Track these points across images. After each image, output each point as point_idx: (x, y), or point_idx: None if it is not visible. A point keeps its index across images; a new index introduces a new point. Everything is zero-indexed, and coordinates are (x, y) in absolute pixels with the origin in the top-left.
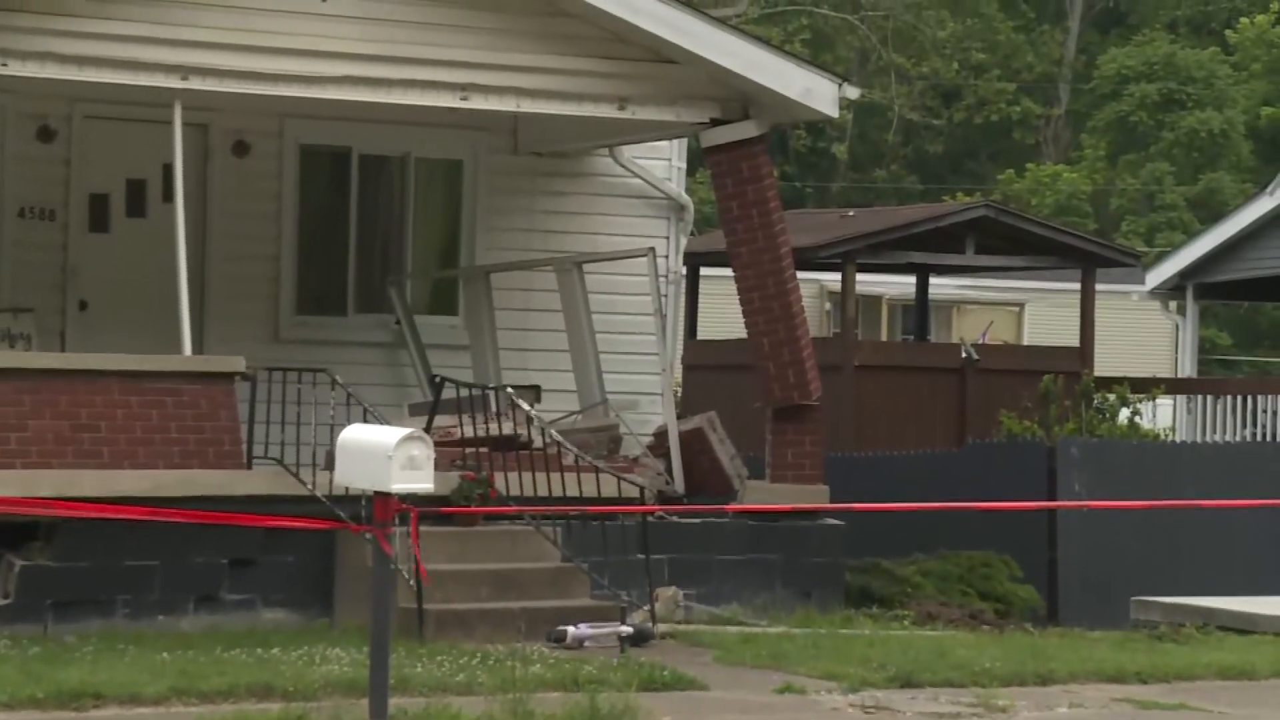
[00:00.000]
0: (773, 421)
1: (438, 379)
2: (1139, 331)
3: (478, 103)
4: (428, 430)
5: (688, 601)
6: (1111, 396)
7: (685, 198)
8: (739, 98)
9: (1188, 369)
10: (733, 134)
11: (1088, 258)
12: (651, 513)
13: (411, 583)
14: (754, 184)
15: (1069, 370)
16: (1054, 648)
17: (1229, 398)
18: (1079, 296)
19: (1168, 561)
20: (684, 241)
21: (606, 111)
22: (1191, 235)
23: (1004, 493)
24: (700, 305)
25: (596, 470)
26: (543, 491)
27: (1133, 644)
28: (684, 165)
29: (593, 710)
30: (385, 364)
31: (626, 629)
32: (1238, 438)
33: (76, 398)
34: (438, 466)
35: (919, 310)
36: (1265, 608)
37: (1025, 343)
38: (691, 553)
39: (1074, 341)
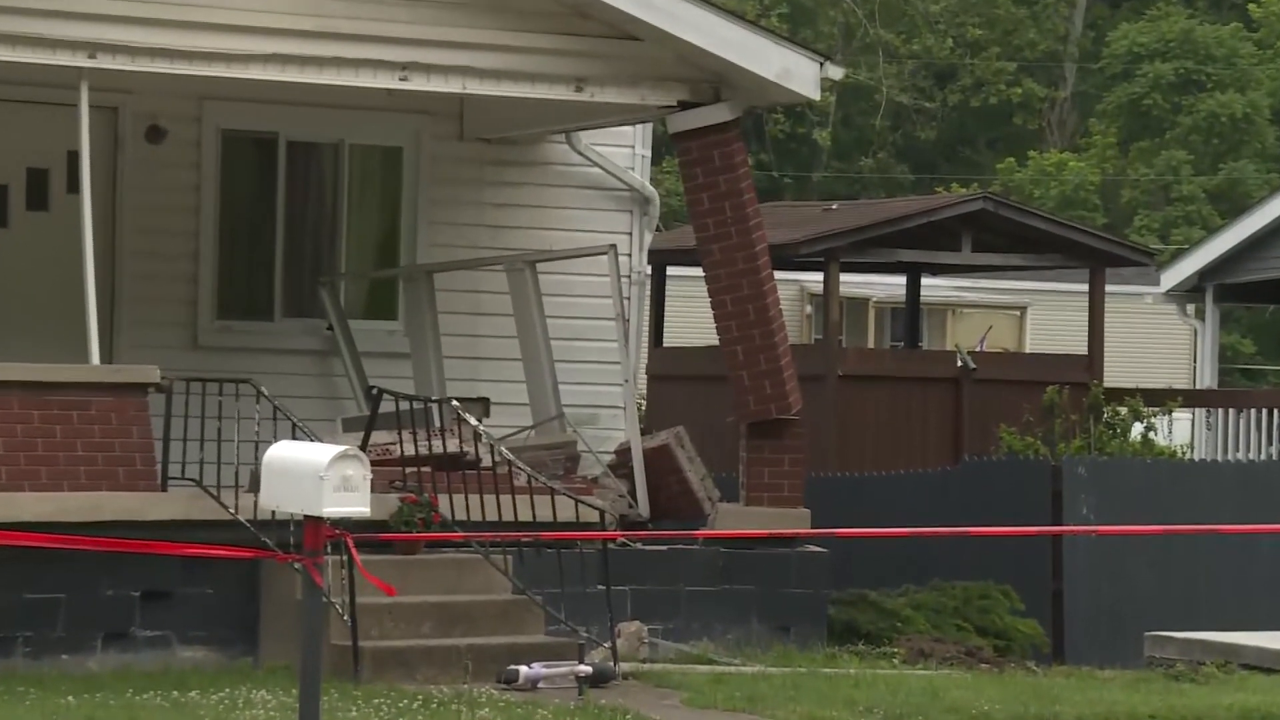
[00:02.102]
0: (748, 438)
1: (375, 390)
2: (1153, 338)
3: (419, 83)
4: (364, 447)
5: (653, 638)
6: (1123, 410)
7: (650, 189)
8: (710, 78)
9: (1207, 379)
10: (703, 118)
11: (1097, 256)
12: (613, 539)
13: (345, 617)
14: (727, 174)
15: (1076, 381)
16: (1059, 688)
17: (1253, 411)
18: (1087, 299)
19: (1185, 593)
20: (649, 238)
21: (562, 93)
22: (1211, 231)
23: (1004, 516)
24: (667, 309)
25: (552, 492)
26: (492, 515)
27: (1147, 684)
28: (649, 153)
29: None
30: (316, 374)
31: (585, 668)
32: (1262, 456)
33: None
34: (375, 488)
35: (910, 314)
36: None
37: (1027, 350)
38: (657, 584)
39: (1081, 349)
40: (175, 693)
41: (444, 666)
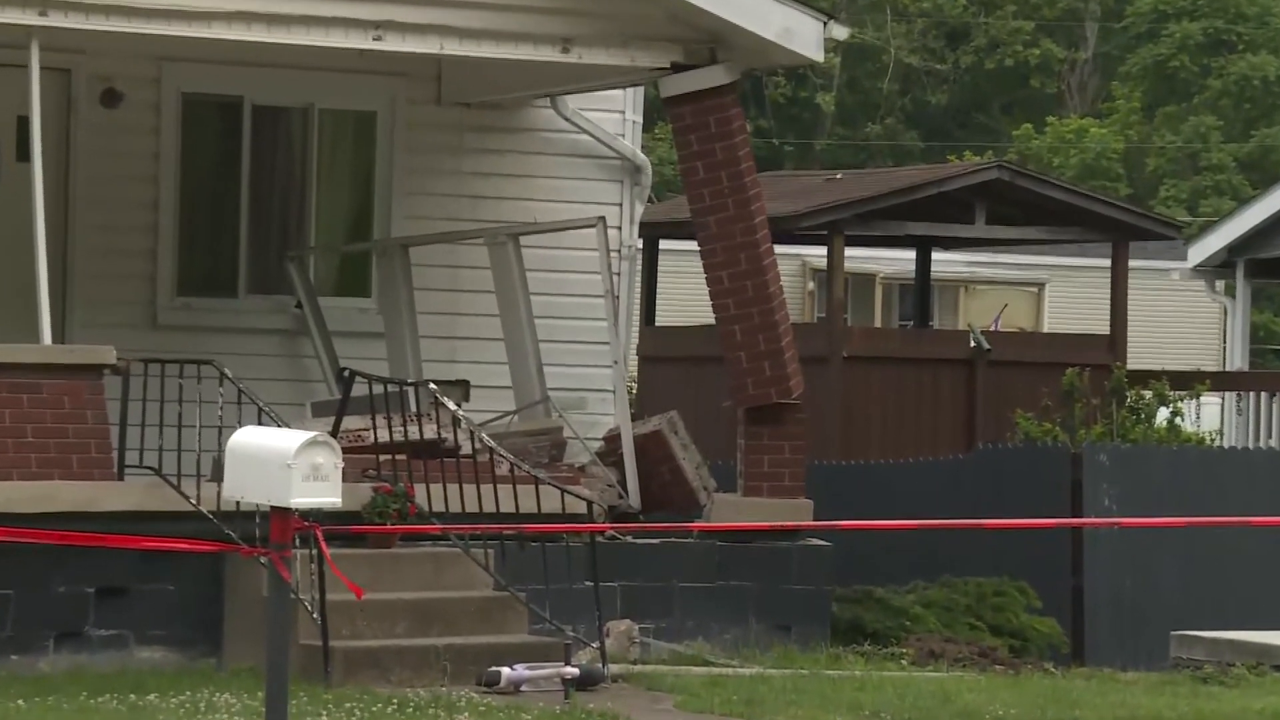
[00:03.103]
0: (746, 424)
1: (346, 372)
2: (1180, 317)
3: (394, 44)
4: (335, 434)
5: (644, 637)
6: (1147, 394)
7: (641, 157)
8: (705, 38)
9: (1238, 361)
10: (698, 81)
11: (1119, 229)
12: (602, 532)
13: (315, 615)
14: (723, 141)
15: (1097, 362)
16: (1079, 691)
17: None
18: (1109, 275)
19: (1214, 589)
20: (640, 209)
21: (547, 54)
22: (1243, 202)
23: (1020, 508)
24: (659, 285)
25: (536, 481)
26: (472, 507)
27: (1173, 687)
28: (640, 119)
29: None
30: (284, 354)
31: (572, 670)
32: None
33: None
34: (346, 477)
35: (919, 291)
36: None
37: (1045, 330)
38: (649, 579)
39: (1103, 328)
40: (133, 696)
41: (420, 668)
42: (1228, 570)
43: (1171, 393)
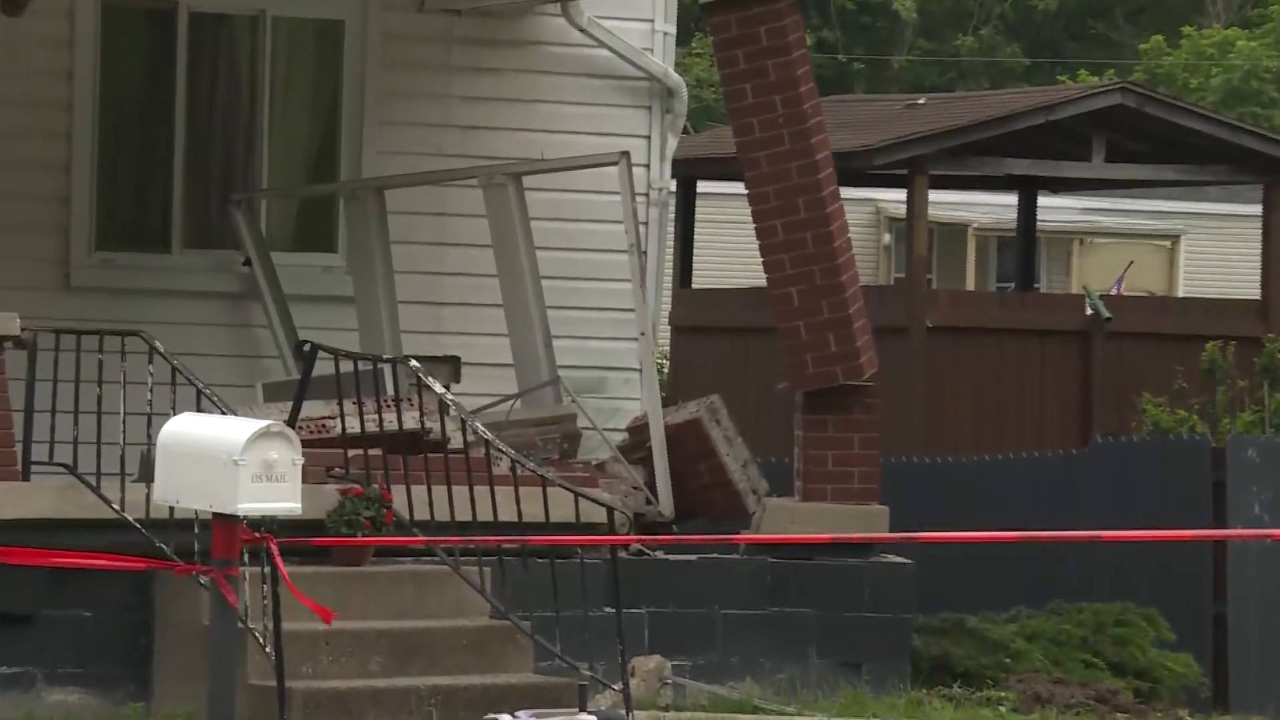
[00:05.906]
0: (805, 411)
1: (307, 346)
2: None
3: None
4: (292, 423)
5: (679, 676)
6: None
7: (675, 77)
8: None
9: None
10: None
11: (1273, 167)
12: (626, 545)
13: (268, 649)
14: (777, 57)
15: (1245, 334)
16: None
17: None
18: (1259, 226)
19: None
20: (673, 143)
21: None
22: None
23: (1148, 516)
24: (697, 237)
25: (543, 482)
26: (463, 514)
27: None
28: (673, 30)
29: None
30: (229, 324)
31: (588, 718)
32: None
33: None
34: (307, 477)
35: (1022, 245)
36: None
37: (1180, 294)
38: (684, 605)
39: (1253, 292)
40: None
41: (399, 714)
42: None
43: None
